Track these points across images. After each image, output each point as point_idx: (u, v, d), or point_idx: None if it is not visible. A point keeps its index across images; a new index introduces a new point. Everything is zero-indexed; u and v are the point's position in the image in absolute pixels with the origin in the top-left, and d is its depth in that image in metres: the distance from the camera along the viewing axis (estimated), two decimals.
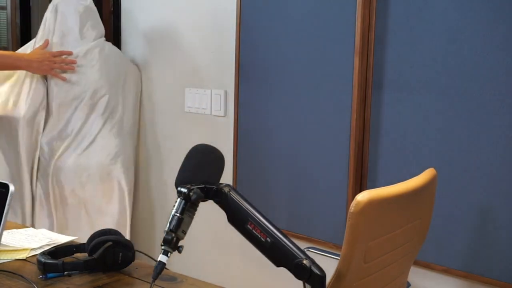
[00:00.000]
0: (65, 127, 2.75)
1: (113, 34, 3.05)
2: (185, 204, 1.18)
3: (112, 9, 3.05)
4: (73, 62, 2.69)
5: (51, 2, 2.82)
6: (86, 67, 2.73)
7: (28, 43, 2.84)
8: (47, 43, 2.70)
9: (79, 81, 2.72)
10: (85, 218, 2.78)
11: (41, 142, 2.74)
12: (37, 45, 2.74)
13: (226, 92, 2.60)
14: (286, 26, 2.33)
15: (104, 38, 2.85)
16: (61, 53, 2.68)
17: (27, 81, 2.71)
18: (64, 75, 2.70)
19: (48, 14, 2.79)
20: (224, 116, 2.62)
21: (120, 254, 1.40)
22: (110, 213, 2.80)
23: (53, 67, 2.65)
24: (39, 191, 2.78)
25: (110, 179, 2.80)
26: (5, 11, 3.68)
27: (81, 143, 2.75)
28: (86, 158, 2.76)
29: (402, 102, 2.06)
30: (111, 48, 2.86)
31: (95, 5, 2.85)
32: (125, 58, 2.94)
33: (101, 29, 2.84)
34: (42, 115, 2.74)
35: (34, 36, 2.84)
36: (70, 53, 2.69)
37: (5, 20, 3.71)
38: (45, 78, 2.74)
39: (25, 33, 3.55)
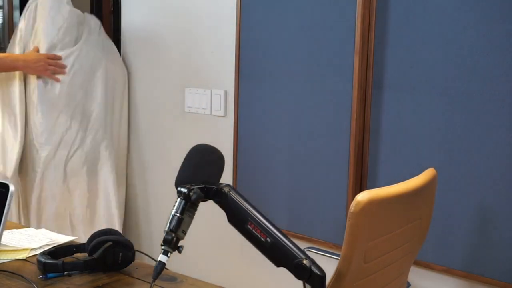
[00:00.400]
0: (48, 133, 2.76)
1: (113, 34, 3.05)
2: (185, 204, 1.18)
3: (112, 9, 3.05)
4: (65, 66, 2.74)
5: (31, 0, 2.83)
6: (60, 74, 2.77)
7: (11, 42, 2.85)
8: (37, 49, 2.75)
9: (54, 88, 2.75)
10: (68, 224, 2.80)
11: (24, 146, 2.77)
12: (17, 39, 2.78)
13: (226, 92, 2.60)
14: (286, 26, 2.33)
15: (82, 42, 2.84)
16: (54, 56, 2.73)
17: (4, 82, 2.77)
18: (40, 80, 2.74)
19: (27, 12, 2.81)
20: (224, 116, 2.62)
21: (120, 254, 1.41)
22: (97, 221, 2.83)
23: (47, 68, 2.70)
24: (22, 194, 2.79)
25: (95, 184, 2.83)
26: (2, 10, 3.68)
27: (63, 149, 2.77)
28: (72, 164, 2.78)
29: (402, 102, 2.06)
30: (89, 53, 2.84)
31: (95, 5, 2.85)
32: (108, 61, 2.91)
33: (75, 32, 2.84)
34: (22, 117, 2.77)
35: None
36: (60, 58, 2.74)
37: (2, 19, 3.70)
38: (23, 79, 2.77)
39: None
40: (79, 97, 2.79)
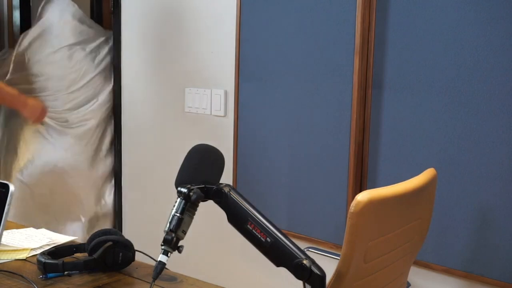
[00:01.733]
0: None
1: (113, 34, 3.05)
2: (185, 204, 1.18)
3: (112, 9, 3.05)
4: None
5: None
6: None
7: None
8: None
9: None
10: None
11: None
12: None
13: (226, 92, 2.60)
14: (286, 26, 2.33)
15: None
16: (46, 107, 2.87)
17: None
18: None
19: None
20: (224, 116, 2.62)
21: (120, 254, 1.41)
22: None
23: (43, 117, 2.83)
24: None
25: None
26: (1, 10, 3.69)
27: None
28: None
29: (402, 102, 2.06)
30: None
31: (95, 5, 2.86)
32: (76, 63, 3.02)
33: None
34: None
35: None
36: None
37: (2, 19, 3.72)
38: None
39: None
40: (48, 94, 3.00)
